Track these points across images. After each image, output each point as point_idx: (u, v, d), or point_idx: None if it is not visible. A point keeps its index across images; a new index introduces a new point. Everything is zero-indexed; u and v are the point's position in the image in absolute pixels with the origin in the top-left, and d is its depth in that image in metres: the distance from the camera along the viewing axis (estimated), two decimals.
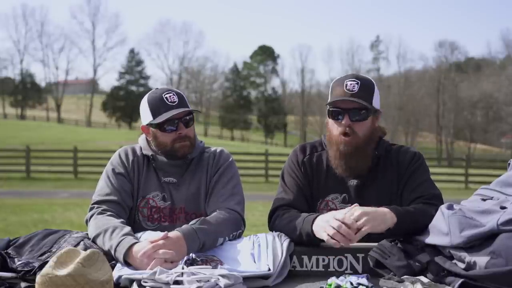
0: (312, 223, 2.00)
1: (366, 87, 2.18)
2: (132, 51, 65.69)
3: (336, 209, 2.21)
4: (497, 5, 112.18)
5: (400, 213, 1.98)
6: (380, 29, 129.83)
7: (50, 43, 71.22)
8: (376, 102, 2.22)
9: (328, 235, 1.89)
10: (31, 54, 73.84)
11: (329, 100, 2.20)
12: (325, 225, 1.93)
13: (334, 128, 2.20)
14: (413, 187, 2.19)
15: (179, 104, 2.27)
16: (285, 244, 1.99)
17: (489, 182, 2.00)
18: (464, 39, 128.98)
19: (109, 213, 2.17)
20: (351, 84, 2.17)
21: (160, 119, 2.23)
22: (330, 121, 2.22)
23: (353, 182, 2.25)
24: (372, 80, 2.26)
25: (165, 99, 2.26)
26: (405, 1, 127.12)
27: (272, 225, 2.21)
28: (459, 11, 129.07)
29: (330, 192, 2.27)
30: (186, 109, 2.28)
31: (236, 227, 2.18)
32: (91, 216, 2.17)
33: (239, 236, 2.20)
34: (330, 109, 2.19)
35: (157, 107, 2.26)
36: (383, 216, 1.94)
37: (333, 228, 1.88)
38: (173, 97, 2.27)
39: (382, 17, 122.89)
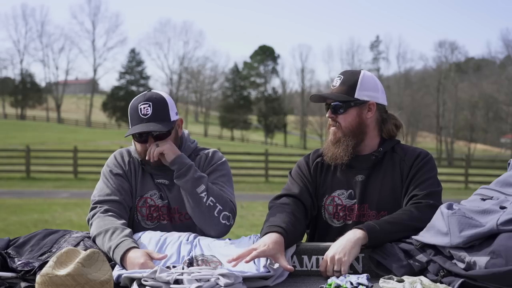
0: (263, 234, 2.00)
1: (348, 80, 2.28)
2: (132, 51, 65.64)
3: (342, 205, 2.25)
4: (497, 5, 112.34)
5: (371, 228, 1.99)
6: (380, 29, 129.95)
7: (50, 43, 71.14)
8: (364, 94, 2.25)
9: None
10: (31, 54, 73.91)
11: None
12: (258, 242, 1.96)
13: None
14: (413, 185, 2.19)
15: (151, 117, 2.21)
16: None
17: (489, 182, 2.00)
18: (464, 39, 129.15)
19: (111, 213, 2.17)
20: (335, 79, 2.32)
21: (130, 131, 2.25)
22: None
23: (358, 178, 2.26)
24: (362, 72, 2.29)
25: (139, 110, 2.23)
26: (405, 1, 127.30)
27: (269, 209, 2.24)
28: (459, 11, 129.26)
29: (337, 188, 2.29)
30: (147, 130, 2.19)
31: (227, 208, 2.19)
32: (93, 215, 2.18)
33: (230, 224, 2.21)
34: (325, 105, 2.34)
35: (132, 117, 2.26)
36: (350, 242, 1.95)
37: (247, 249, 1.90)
38: (147, 109, 2.22)
39: (382, 17, 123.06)
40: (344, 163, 2.25)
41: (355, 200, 2.25)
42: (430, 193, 2.14)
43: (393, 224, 2.02)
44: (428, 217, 1.94)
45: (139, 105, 2.23)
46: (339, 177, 2.29)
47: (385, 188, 2.23)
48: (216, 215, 2.17)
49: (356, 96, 2.24)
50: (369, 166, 2.26)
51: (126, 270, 1.88)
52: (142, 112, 2.21)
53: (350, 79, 2.27)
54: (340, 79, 2.29)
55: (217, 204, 2.16)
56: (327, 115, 2.30)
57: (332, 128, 2.29)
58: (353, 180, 2.27)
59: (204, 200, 2.15)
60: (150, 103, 2.22)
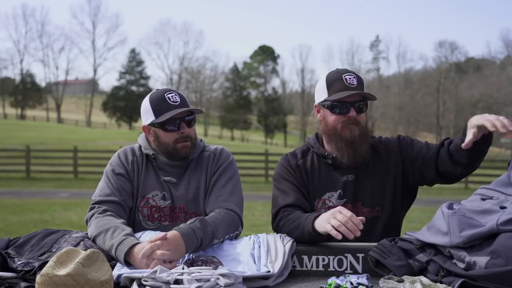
0: (314, 220, 2.01)
1: (361, 80, 2.27)
2: (133, 51, 65.63)
3: (333, 206, 2.24)
4: (497, 5, 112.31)
5: None
6: (380, 29, 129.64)
7: (50, 43, 71.48)
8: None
9: (333, 226, 1.90)
10: (31, 54, 74.26)
11: (328, 95, 2.23)
12: (329, 217, 1.94)
13: (337, 121, 2.23)
14: (422, 152, 2.26)
15: (181, 104, 2.29)
16: (288, 245, 1.99)
17: (489, 182, 2.00)
18: (464, 39, 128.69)
19: (109, 213, 2.17)
20: (350, 78, 2.22)
21: (163, 118, 2.25)
22: (332, 116, 2.24)
23: (346, 178, 2.29)
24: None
25: (167, 98, 2.28)
26: (405, 1, 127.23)
27: (277, 227, 2.23)
28: (459, 11, 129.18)
29: (326, 191, 2.30)
30: (189, 108, 2.29)
31: (233, 228, 2.18)
32: (91, 216, 2.17)
33: (236, 237, 2.21)
34: (334, 103, 2.22)
35: (160, 106, 2.27)
36: None
37: (338, 220, 1.90)
38: (175, 97, 2.29)
39: (382, 17, 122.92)
40: (330, 163, 2.29)
41: (345, 199, 2.28)
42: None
43: None
44: None
45: (165, 94, 2.29)
46: (325, 179, 2.31)
47: (375, 182, 2.28)
48: (227, 238, 2.16)
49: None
50: (357, 165, 2.28)
51: (131, 266, 1.89)
52: (172, 100, 2.28)
53: (361, 78, 2.27)
54: (355, 78, 2.23)
55: (226, 236, 2.14)
56: (349, 114, 2.20)
57: (355, 126, 2.22)
58: (340, 180, 2.29)
59: (214, 242, 2.10)
60: (176, 93, 2.32)
